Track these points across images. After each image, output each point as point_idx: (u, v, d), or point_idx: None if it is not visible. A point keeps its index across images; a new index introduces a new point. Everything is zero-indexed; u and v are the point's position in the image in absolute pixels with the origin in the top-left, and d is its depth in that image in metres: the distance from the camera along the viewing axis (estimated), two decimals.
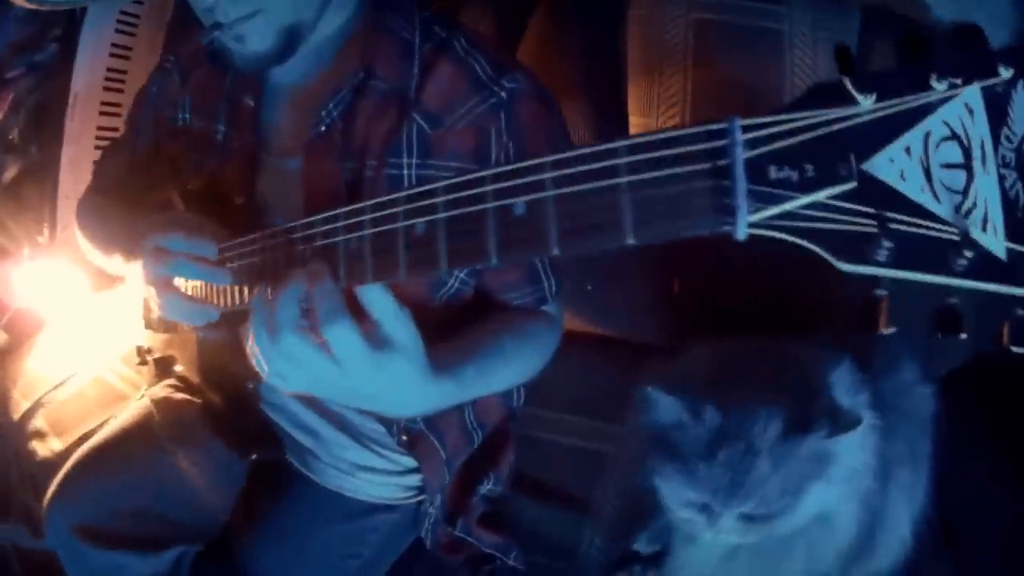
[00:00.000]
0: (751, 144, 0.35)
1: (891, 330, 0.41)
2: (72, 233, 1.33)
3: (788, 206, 0.35)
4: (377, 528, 0.84)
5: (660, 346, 1.02)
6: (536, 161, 0.38)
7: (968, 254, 0.38)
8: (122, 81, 1.35)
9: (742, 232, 0.34)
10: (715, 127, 0.35)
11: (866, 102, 0.37)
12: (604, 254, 0.37)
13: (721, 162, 0.34)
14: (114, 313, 1.24)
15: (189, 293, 0.71)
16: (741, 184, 0.34)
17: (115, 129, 1.35)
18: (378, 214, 0.47)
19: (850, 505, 0.64)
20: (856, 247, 0.36)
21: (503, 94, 0.72)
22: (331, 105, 0.74)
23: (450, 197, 0.42)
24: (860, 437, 0.61)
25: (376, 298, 0.50)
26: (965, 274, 0.38)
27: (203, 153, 0.83)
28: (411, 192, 0.45)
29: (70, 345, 1.24)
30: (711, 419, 0.62)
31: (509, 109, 0.72)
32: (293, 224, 0.56)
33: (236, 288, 0.65)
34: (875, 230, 0.36)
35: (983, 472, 0.81)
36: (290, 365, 0.52)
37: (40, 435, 1.16)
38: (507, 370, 0.71)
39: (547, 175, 0.38)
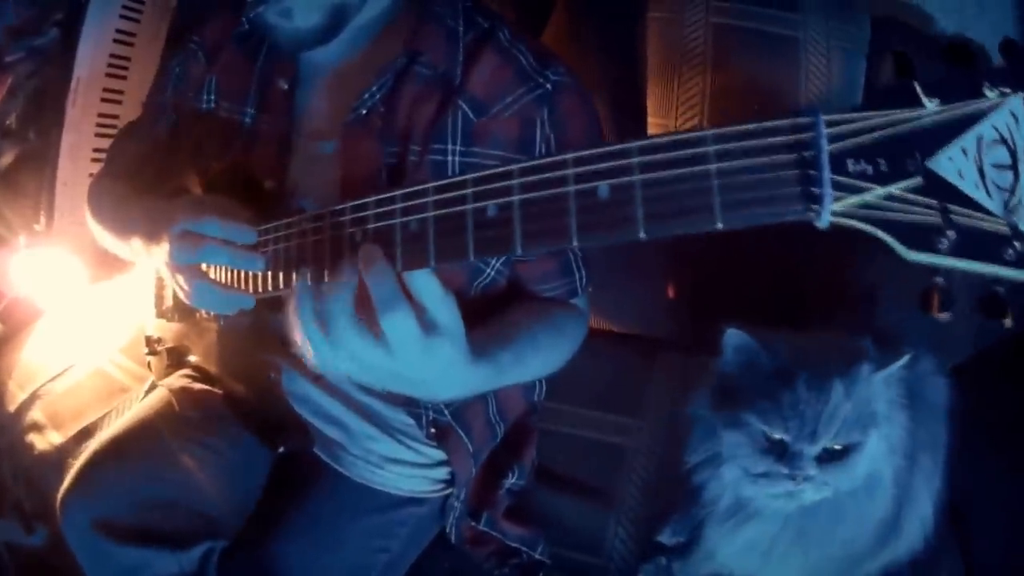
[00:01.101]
0: (832, 138, 0.38)
1: (946, 316, 0.44)
2: (69, 222, 1.33)
3: (866, 197, 0.38)
4: (405, 522, 0.84)
5: (674, 342, 1.05)
6: (621, 146, 0.40)
7: (1017, 246, 0.41)
8: (125, 68, 1.34)
9: (825, 220, 0.38)
10: (801, 121, 0.38)
11: (931, 105, 0.40)
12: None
13: (807, 153, 0.37)
14: (114, 303, 1.23)
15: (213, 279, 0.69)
16: (827, 174, 0.37)
17: (116, 116, 1.35)
18: (443, 196, 0.48)
19: (889, 471, 0.68)
20: (923, 237, 0.40)
21: (548, 86, 0.74)
22: (374, 88, 0.74)
23: (526, 180, 0.43)
24: (893, 410, 0.65)
25: (424, 282, 0.51)
26: (1014, 264, 0.42)
27: (228, 136, 0.82)
28: (480, 175, 0.46)
29: (68, 336, 1.23)
30: (784, 352, 0.67)
31: (552, 101, 0.74)
32: (341, 206, 0.55)
33: (267, 274, 0.64)
34: (939, 221, 0.40)
35: (991, 459, 0.86)
36: (342, 355, 0.52)
37: (38, 428, 1.15)
38: (539, 358, 0.73)
39: (633, 160, 0.40)
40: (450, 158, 0.73)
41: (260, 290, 0.67)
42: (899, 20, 1.19)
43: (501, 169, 0.45)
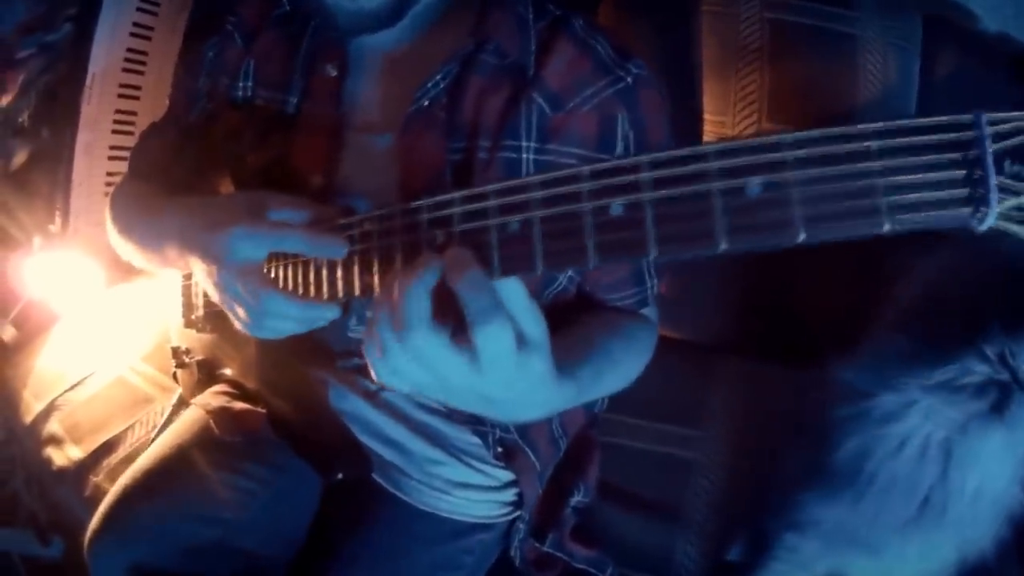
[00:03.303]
0: (994, 138, 0.38)
1: None
2: (85, 222, 1.32)
3: (1022, 199, 0.39)
4: (473, 550, 0.81)
5: (731, 350, 1.05)
6: (772, 138, 0.39)
7: None
8: (143, 63, 1.34)
9: (989, 223, 0.38)
10: (963, 118, 0.38)
11: None
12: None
13: (971, 153, 0.38)
14: (135, 307, 1.22)
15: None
16: (992, 176, 0.38)
17: (133, 113, 1.35)
18: (551, 191, 0.44)
19: None
20: None
21: (629, 79, 0.71)
22: (438, 77, 0.71)
23: (658, 174, 0.41)
24: None
25: (513, 290, 0.46)
26: None
27: (267, 128, 0.77)
28: (598, 167, 0.43)
29: (86, 342, 1.21)
30: None
31: (633, 96, 0.71)
32: (416, 204, 0.50)
33: (321, 280, 0.60)
34: None
35: None
36: (416, 365, 0.46)
37: (56, 441, 1.12)
38: (615, 373, 0.71)
39: (787, 154, 0.39)
40: (524, 155, 0.70)
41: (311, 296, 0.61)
42: (947, 19, 1.21)
43: (625, 161, 0.42)
